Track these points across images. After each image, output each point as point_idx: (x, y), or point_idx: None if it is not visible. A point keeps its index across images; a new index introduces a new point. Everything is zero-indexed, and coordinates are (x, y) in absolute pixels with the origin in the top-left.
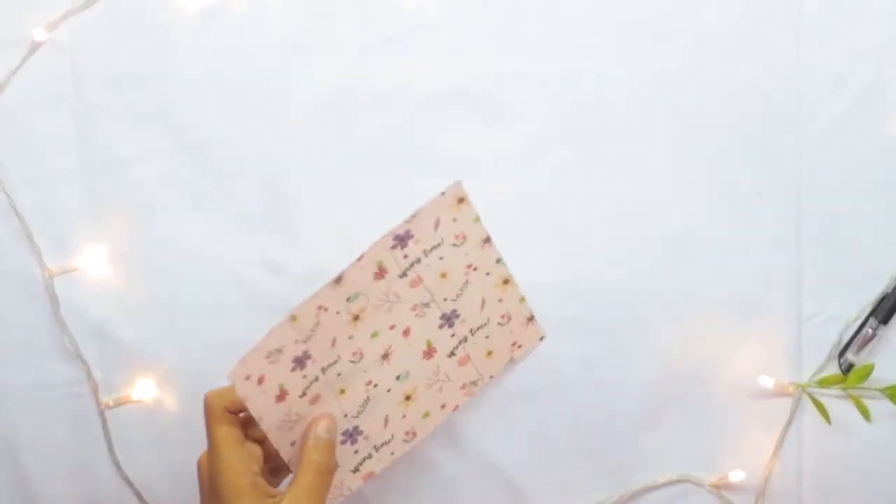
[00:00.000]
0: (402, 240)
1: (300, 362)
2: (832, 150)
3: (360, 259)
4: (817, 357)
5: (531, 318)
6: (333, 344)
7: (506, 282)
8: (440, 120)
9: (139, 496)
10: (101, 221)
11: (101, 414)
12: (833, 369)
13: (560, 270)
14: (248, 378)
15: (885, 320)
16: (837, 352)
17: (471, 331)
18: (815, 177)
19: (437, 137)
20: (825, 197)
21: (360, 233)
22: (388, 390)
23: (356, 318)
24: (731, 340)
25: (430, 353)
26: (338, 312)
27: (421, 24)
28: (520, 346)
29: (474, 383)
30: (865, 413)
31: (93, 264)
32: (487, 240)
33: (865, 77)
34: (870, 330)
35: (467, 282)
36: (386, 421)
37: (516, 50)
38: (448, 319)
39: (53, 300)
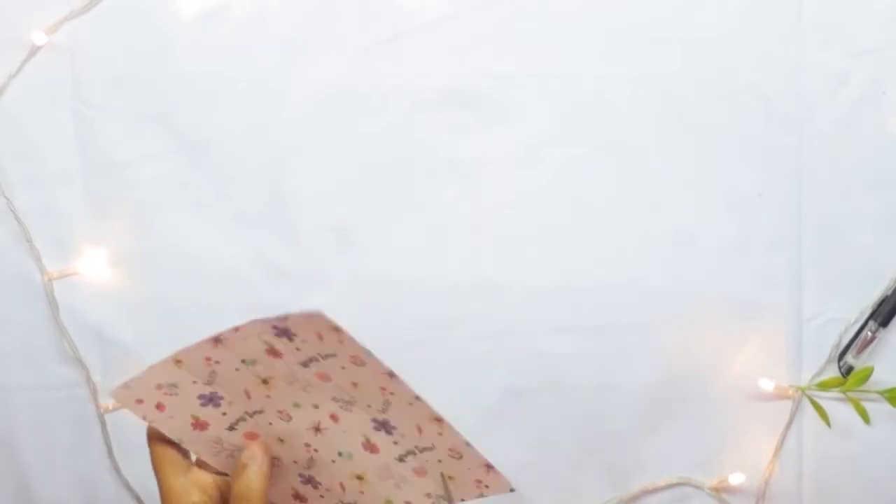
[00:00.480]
0: (285, 332)
1: (211, 400)
2: (832, 151)
3: (237, 329)
4: (817, 359)
5: (490, 467)
6: (249, 396)
7: (437, 420)
8: (440, 120)
9: (138, 499)
10: (101, 224)
11: (101, 417)
12: (833, 371)
13: (560, 271)
14: (140, 402)
15: (884, 323)
16: (837, 354)
17: (416, 447)
18: (815, 178)
19: (436, 138)
20: (825, 198)
21: (360, 233)
22: (333, 461)
23: (265, 381)
24: (730, 342)
25: (372, 447)
26: (237, 370)
27: (421, 24)
28: (487, 487)
29: (443, 499)
30: (865, 416)
31: (92, 267)
32: (392, 375)
33: (865, 77)
34: (869, 333)
35: (389, 402)
36: (343, 488)
37: (516, 50)
38: (384, 426)
39: (53, 303)
